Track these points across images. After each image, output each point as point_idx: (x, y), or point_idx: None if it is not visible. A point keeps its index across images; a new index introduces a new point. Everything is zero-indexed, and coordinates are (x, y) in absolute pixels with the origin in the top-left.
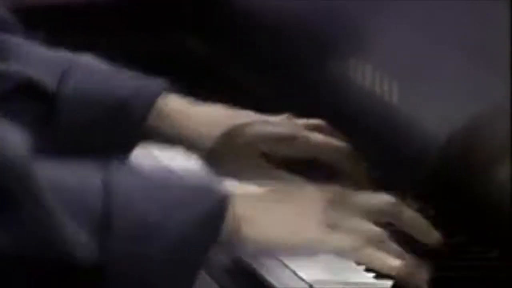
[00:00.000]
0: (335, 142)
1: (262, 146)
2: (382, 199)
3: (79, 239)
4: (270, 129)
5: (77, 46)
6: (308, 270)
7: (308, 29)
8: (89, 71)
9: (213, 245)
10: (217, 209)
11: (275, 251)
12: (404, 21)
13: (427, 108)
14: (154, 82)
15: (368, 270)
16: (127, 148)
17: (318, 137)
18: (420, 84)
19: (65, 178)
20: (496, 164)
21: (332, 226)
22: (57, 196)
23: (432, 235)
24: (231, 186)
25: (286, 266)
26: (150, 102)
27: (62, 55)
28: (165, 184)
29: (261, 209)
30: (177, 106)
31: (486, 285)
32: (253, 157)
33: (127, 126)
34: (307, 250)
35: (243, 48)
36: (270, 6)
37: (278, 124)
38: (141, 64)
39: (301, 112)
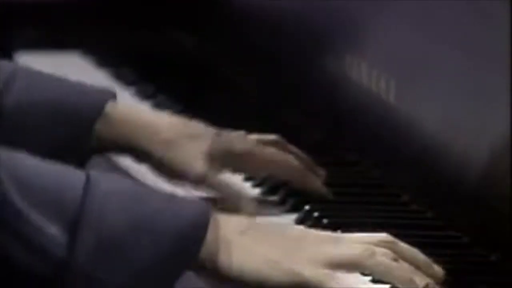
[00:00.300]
0: (290, 158)
1: (219, 161)
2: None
3: (49, 230)
4: (227, 144)
5: (69, 43)
6: None
7: (305, 26)
8: (32, 81)
9: (186, 269)
10: (196, 231)
11: (250, 282)
12: (402, 18)
13: (424, 106)
14: (101, 90)
15: (365, 274)
16: (79, 156)
17: (274, 153)
18: (417, 83)
19: (47, 169)
20: (496, 164)
21: (313, 260)
22: (32, 190)
23: (434, 270)
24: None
25: None
26: (98, 108)
27: (4, 65)
28: (143, 199)
29: (241, 240)
30: (124, 112)
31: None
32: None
33: (75, 135)
34: (285, 283)
35: (239, 46)
36: (266, 3)
37: (235, 139)
38: (135, 62)
39: (297, 110)
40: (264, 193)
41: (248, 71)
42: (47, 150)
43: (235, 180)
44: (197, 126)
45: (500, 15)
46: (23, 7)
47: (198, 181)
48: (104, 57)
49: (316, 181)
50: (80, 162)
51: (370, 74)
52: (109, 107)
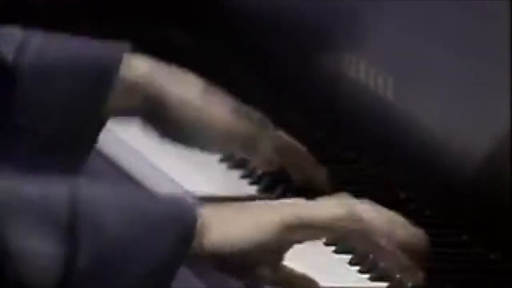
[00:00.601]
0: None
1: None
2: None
3: (44, 247)
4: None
5: None
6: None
7: (302, 23)
8: (47, 41)
9: (182, 262)
10: (189, 228)
11: (235, 252)
12: (400, 15)
13: (423, 104)
14: (116, 44)
15: (362, 272)
16: (99, 115)
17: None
18: (415, 80)
19: (26, 189)
20: (495, 162)
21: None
22: (16, 204)
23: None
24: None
25: None
26: (116, 62)
27: (15, 30)
28: (133, 198)
29: (223, 217)
30: (144, 65)
31: (487, 287)
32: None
33: (96, 90)
34: (262, 237)
35: (235, 44)
36: (264, 0)
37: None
38: None
39: (294, 108)
40: (261, 191)
41: (245, 69)
42: (68, 106)
43: (232, 175)
44: (216, 91)
45: (498, 12)
46: (14, 5)
47: (218, 142)
48: None
49: (323, 173)
50: (98, 120)
51: (368, 71)
52: (127, 61)
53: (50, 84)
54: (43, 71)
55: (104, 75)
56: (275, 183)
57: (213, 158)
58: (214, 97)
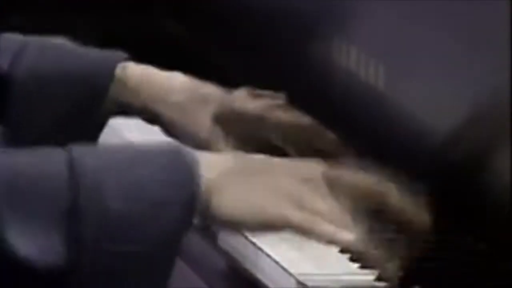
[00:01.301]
0: (301, 118)
1: (227, 125)
2: (369, 180)
3: (45, 239)
4: (236, 106)
5: (54, 30)
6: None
7: (291, 9)
8: (42, 50)
9: (191, 221)
10: (191, 181)
11: (239, 226)
12: (392, 1)
13: (414, 93)
14: (111, 54)
15: (352, 260)
16: (94, 123)
17: (284, 115)
18: (407, 68)
19: (24, 170)
20: (484, 154)
21: (299, 204)
22: (15, 193)
23: (421, 217)
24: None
25: (273, 260)
26: (110, 72)
27: (12, 38)
28: (132, 161)
29: (230, 181)
30: (136, 74)
31: (474, 276)
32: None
33: (90, 100)
34: (270, 228)
35: (226, 32)
36: None
37: (244, 101)
38: (122, 49)
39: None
40: None
41: (235, 57)
42: (61, 118)
43: None
44: (209, 89)
45: (490, 1)
46: None
47: (204, 146)
48: (90, 44)
49: (330, 135)
50: (94, 128)
51: (358, 59)
52: (121, 70)
53: (45, 93)
54: (39, 81)
55: (99, 85)
56: None
57: None
58: (198, 100)
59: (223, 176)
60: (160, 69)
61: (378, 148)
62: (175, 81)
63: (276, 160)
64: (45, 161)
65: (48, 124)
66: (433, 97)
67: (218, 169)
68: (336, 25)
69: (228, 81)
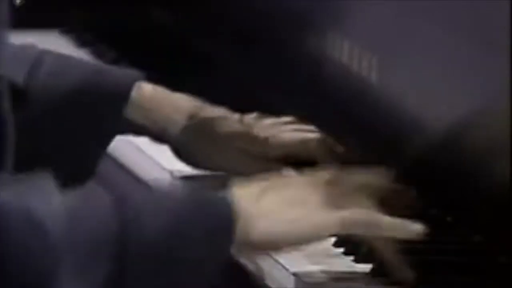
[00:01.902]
0: (304, 135)
1: (238, 143)
2: (375, 176)
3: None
4: (243, 128)
5: (45, 21)
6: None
7: (283, 1)
8: (59, 65)
9: (225, 257)
10: (228, 222)
11: (284, 246)
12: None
13: (408, 86)
14: (127, 73)
15: (346, 253)
16: (105, 140)
17: (287, 134)
18: (401, 61)
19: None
20: (479, 147)
21: (336, 206)
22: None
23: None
24: (232, 187)
25: (272, 258)
26: (125, 93)
27: (29, 50)
28: (173, 200)
29: (262, 207)
30: (148, 95)
31: (469, 269)
32: (232, 150)
33: (106, 119)
34: (315, 236)
35: (217, 23)
36: None
37: (251, 124)
38: (113, 40)
39: (275, 88)
40: None
41: (226, 49)
42: (73, 135)
43: None
44: (218, 112)
45: None
46: None
47: (215, 168)
48: (82, 36)
49: (334, 151)
50: (106, 144)
51: (351, 52)
52: (136, 91)
53: (60, 110)
54: (54, 97)
55: (114, 104)
56: None
57: None
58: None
59: (255, 206)
60: (153, 64)
61: (368, 143)
62: (185, 103)
63: (292, 173)
64: (97, 219)
65: (62, 138)
66: (426, 91)
67: (249, 200)
68: (328, 16)
69: (218, 72)
